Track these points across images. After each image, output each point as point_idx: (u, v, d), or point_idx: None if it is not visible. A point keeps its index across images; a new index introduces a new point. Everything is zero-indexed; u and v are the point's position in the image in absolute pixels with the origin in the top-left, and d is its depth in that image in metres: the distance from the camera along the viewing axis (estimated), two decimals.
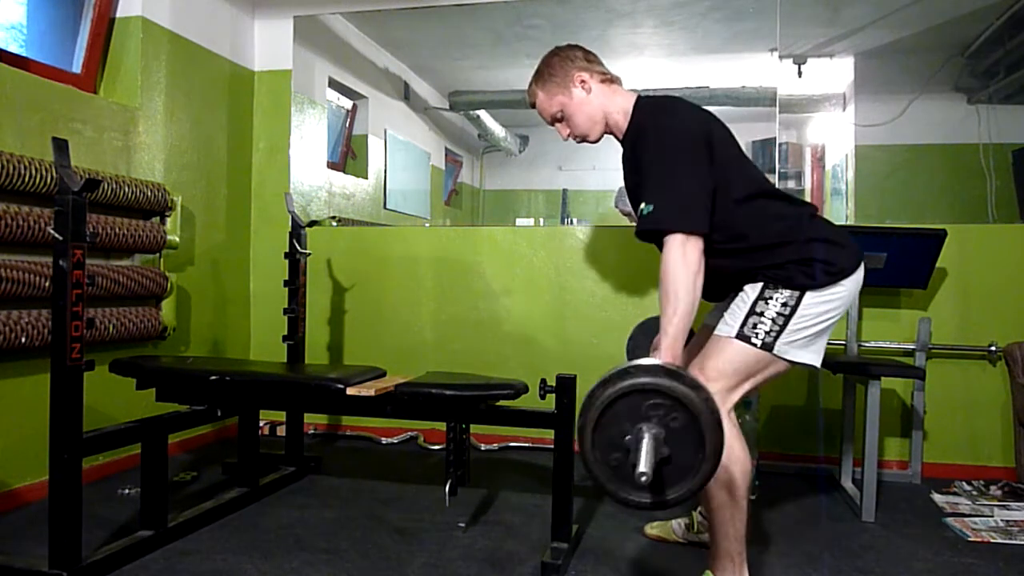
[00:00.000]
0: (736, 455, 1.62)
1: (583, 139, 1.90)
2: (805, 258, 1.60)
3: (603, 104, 1.83)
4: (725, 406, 1.63)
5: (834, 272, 1.60)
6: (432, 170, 3.98)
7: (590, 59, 1.87)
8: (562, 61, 1.86)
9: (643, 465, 1.20)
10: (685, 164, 1.61)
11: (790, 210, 1.70)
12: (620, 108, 1.82)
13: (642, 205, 1.60)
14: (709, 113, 1.73)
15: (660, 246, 1.59)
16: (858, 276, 1.66)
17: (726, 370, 1.61)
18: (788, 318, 1.59)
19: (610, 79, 1.86)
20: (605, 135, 1.88)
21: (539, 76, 1.90)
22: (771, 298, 1.61)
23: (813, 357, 1.65)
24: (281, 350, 2.84)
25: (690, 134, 1.64)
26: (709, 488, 1.65)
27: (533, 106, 1.93)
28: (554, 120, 1.91)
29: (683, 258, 1.53)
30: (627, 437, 1.27)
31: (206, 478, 2.69)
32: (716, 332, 1.66)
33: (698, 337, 1.90)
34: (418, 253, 3.40)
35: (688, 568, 1.90)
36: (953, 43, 3.14)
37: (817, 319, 1.61)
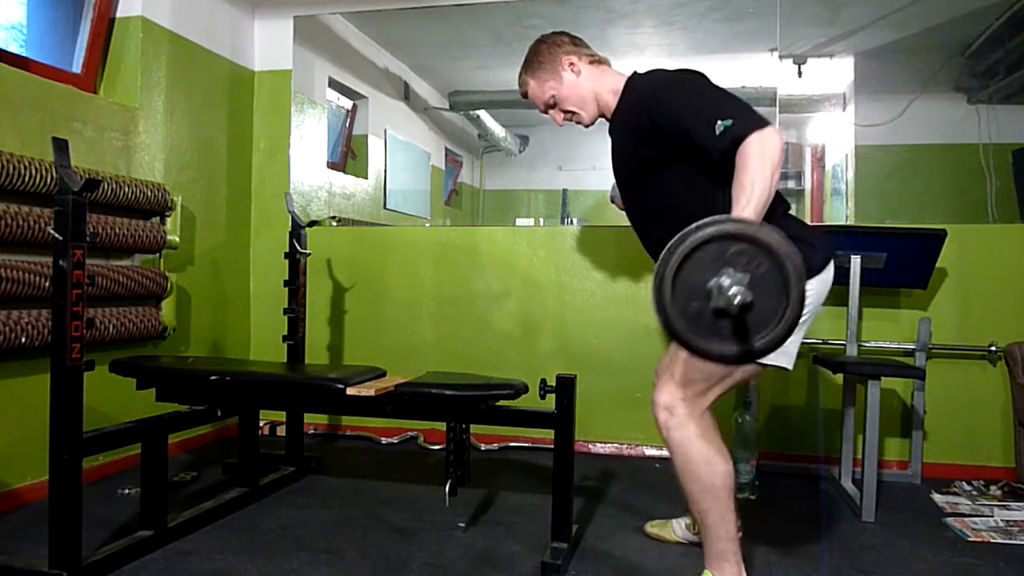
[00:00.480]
0: (713, 460, 1.62)
1: (578, 121, 1.91)
2: None
3: (593, 85, 1.85)
4: (697, 410, 1.64)
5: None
6: (432, 170, 3.98)
7: (576, 43, 1.89)
8: (549, 47, 1.88)
9: (733, 290, 1.16)
10: (719, 87, 1.63)
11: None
12: (609, 88, 1.83)
13: (717, 123, 1.52)
14: None
15: (730, 164, 1.52)
16: (826, 275, 1.65)
17: (694, 376, 1.61)
18: None
19: (598, 60, 1.88)
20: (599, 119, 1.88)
21: (528, 64, 1.92)
22: None
23: (783, 359, 1.62)
24: (281, 350, 2.85)
25: (701, 73, 1.67)
26: (694, 493, 1.66)
27: (525, 96, 1.95)
28: (547, 107, 1.92)
29: (764, 149, 1.46)
30: (710, 283, 1.22)
31: (206, 478, 2.69)
32: None
33: (672, 345, 1.90)
34: (418, 253, 3.40)
35: (688, 568, 1.90)
36: (953, 43, 3.14)
37: None
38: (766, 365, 1.61)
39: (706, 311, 1.22)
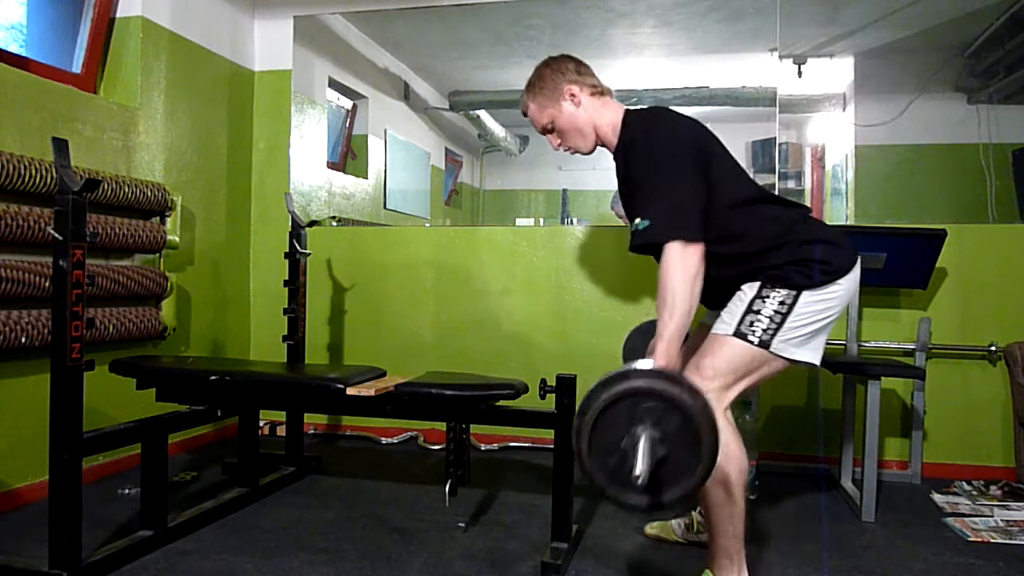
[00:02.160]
0: (733, 453, 1.62)
1: (575, 151, 1.91)
2: (802, 259, 1.61)
3: (592, 118, 1.85)
4: (721, 404, 1.64)
5: (831, 271, 1.61)
6: (432, 170, 3.98)
7: (581, 71, 1.88)
8: (553, 73, 1.87)
9: (638, 467, 1.21)
10: (677, 174, 1.62)
11: (784, 213, 1.70)
12: (609, 122, 1.83)
13: (637, 221, 1.60)
14: (696, 121, 1.74)
15: (657, 257, 1.59)
16: (855, 275, 1.67)
17: (722, 368, 1.62)
18: (785, 316, 1.60)
19: (600, 91, 1.87)
20: (598, 147, 1.89)
21: (531, 88, 1.92)
22: (768, 297, 1.61)
23: (811, 355, 1.65)
24: (281, 350, 2.85)
25: (680, 143, 1.66)
26: (706, 487, 1.65)
27: (525, 115, 1.95)
28: (545, 131, 1.93)
29: (681, 263, 1.53)
30: (623, 441, 1.27)
31: (206, 478, 2.69)
32: (713, 330, 1.66)
33: (694, 337, 1.90)
34: (418, 253, 3.40)
35: (688, 568, 1.89)
36: (953, 43, 3.13)
37: (814, 317, 1.61)
38: (794, 361, 1.63)
39: (623, 467, 1.27)
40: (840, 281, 1.63)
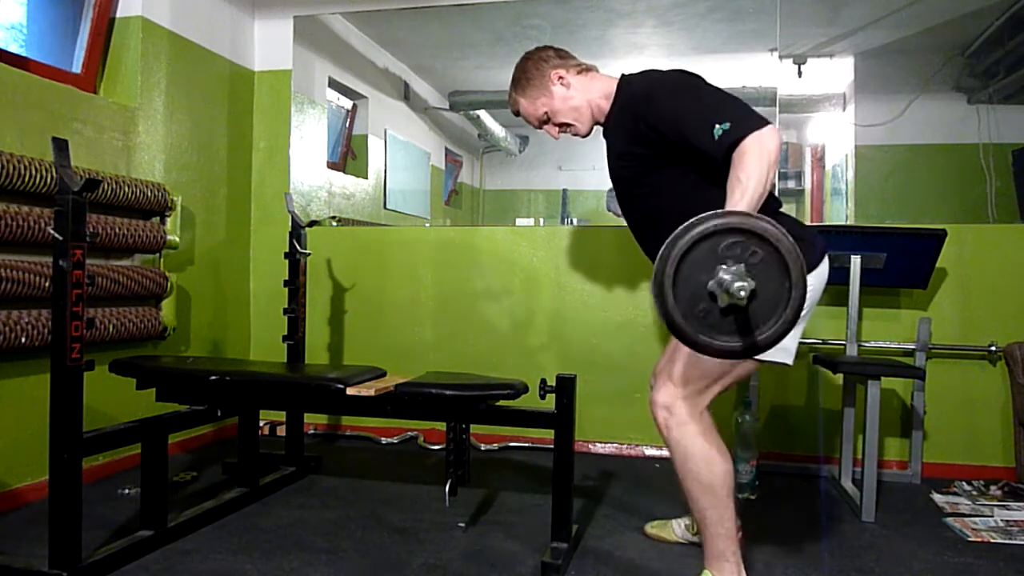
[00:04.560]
0: (712, 457, 1.63)
1: (575, 133, 1.90)
2: None
3: (585, 94, 1.84)
4: (697, 409, 1.64)
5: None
6: (432, 170, 3.98)
7: (562, 55, 1.88)
8: (536, 63, 1.87)
9: (736, 285, 1.16)
10: (715, 88, 1.63)
11: None
12: (601, 92, 1.83)
13: (715, 127, 1.51)
14: None
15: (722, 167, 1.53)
16: (822, 271, 1.66)
17: (692, 374, 1.62)
18: None
19: (586, 68, 1.87)
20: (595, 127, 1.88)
21: (516, 83, 1.91)
22: None
23: (782, 355, 1.62)
24: (281, 350, 2.85)
25: (696, 74, 1.67)
26: (693, 492, 1.66)
27: (517, 114, 1.95)
28: (541, 123, 1.92)
29: (760, 147, 1.46)
30: (709, 283, 1.22)
31: (206, 478, 2.69)
32: None
33: (669, 346, 1.90)
34: (418, 253, 3.40)
35: (688, 568, 1.90)
36: (953, 43, 3.14)
37: None
38: (764, 361, 1.61)
39: (712, 310, 1.22)
40: (807, 277, 1.61)
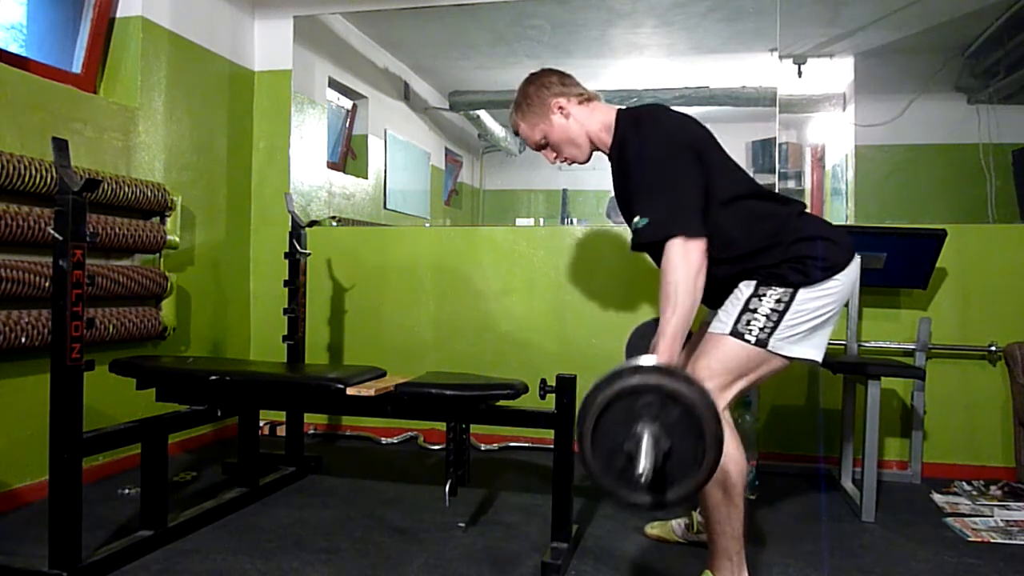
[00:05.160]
0: (731, 454, 1.62)
1: (571, 162, 1.91)
2: (797, 256, 1.60)
3: (584, 125, 1.84)
4: (719, 404, 1.63)
5: (827, 267, 1.60)
6: (432, 170, 3.98)
7: (565, 82, 1.87)
8: (538, 90, 1.87)
9: (641, 465, 1.20)
10: (674, 170, 1.61)
11: (778, 209, 1.69)
12: (602, 124, 1.83)
13: (636, 219, 1.59)
14: (690, 117, 1.74)
15: (657, 256, 1.59)
16: (852, 270, 1.66)
17: (718, 368, 1.61)
18: (782, 315, 1.59)
19: (588, 98, 1.86)
20: (594, 152, 1.89)
21: (518, 107, 1.91)
22: (764, 295, 1.61)
23: (812, 352, 1.64)
24: (281, 350, 2.85)
25: (674, 139, 1.65)
26: (705, 487, 1.65)
27: (517, 134, 1.95)
28: (539, 147, 1.93)
29: (684, 259, 1.52)
30: (626, 441, 1.26)
31: (206, 478, 2.69)
32: (710, 330, 1.66)
33: (696, 337, 1.90)
34: (418, 253, 3.40)
35: (688, 568, 1.90)
36: (953, 43, 3.13)
37: (812, 314, 1.60)
38: (794, 359, 1.62)
39: (629, 467, 1.25)
40: (837, 277, 1.62)
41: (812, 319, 1.60)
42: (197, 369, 2.20)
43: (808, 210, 1.74)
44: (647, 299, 3.11)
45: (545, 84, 1.86)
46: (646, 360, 1.32)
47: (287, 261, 2.83)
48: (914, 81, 3.14)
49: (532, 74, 1.91)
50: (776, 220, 1.65)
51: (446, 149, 3.99)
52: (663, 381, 1.26)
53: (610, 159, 1.85)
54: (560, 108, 1.84)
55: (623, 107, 1.83)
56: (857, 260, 1.68)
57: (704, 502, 1.68)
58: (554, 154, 1.92)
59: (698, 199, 1.59)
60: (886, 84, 3.21)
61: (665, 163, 1.62)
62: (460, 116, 3.86)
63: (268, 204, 3.55)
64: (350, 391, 2.04)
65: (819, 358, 1.66)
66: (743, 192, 1.67)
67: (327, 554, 1.99)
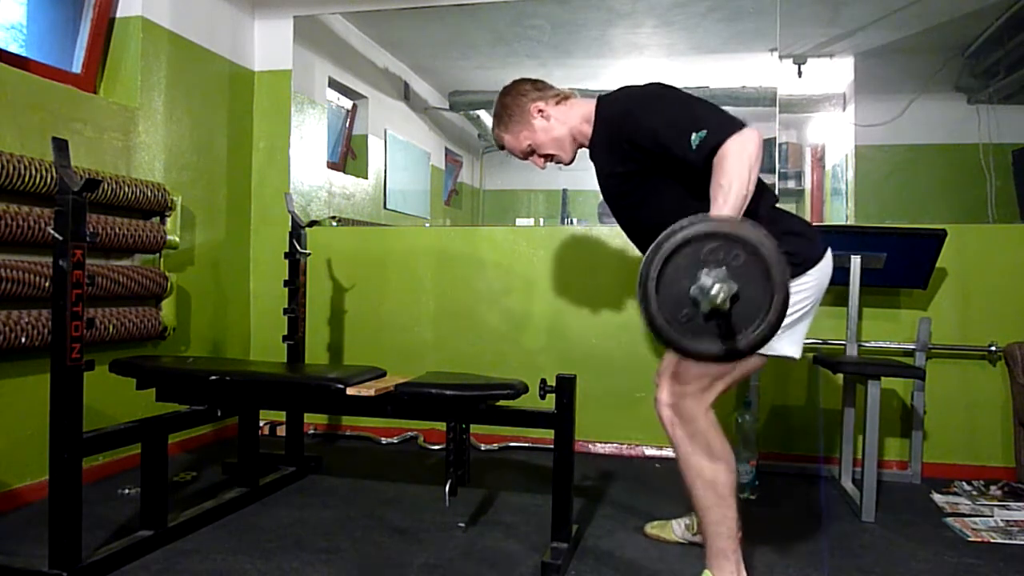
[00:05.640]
0: (720, 454, 1.63)
1: (559, 162, 1.93)
2: None
3: (566, 123, 1.86)
4: (702, 406, 1.64)
5: (799, 263, 1.60)
6: (432, 170, 3.98)
7: (539, 87, 1.90)
8: (515, 99, 1.89)
9: (713, 290, 1.16)
10: (690, 97, 1.63)
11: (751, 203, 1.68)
12: (582, 117, 1.84)
13: (692, 136, 1.52)
14: None
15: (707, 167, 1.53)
16: (825, 264, 1.66)
17: (696, 371, 1.61)
18: None
19: (564, 97, 1.88)
20: (579, 150, 1.90)
21: (498, 119, 1.93)
22: None
23: (789, 348, 1.64)
24: (281, 350, 2.84)
25: (670, 85, 1.68)
26: (697, 489, 1.66)
27: (502, 148, 1.97)
28: (526, 155, 1.95)
29: (740, 149, 1.46)
30: (692, 287, 1.23)
31: (206, 478, 2.69)
32: None
33: None
34: (418, 253, 3.40)
35: (688, 568, 1.90)
36: (953, 43, 3.13)
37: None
38: (771, 355, 1.61)
39: (695, 315, 1.23)
40: (810, 272, 1.62)
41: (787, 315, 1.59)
42: (197, 369, 2.20)
43: (779, 204, 1.73)
44: None
45: (521, 92, 1.89)
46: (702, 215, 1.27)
47: (287, 261, 2.83)
48: (914, 81, 3.14)
49: (505, 87, 1.94)
50: (748, 214, 1.64)
51: (446, 149, 3.99)
52: (725, 226, 1.24)
53: (592, 150, 1.85)
54: (540, 111, 1.87)
55: (601, 95, 1.83)
56: (829, 254, 1.68)
57: (697, 505, 1.69)
58: (542, 159, 1.94)
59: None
60: (886, 84, 3.21)
61: (677, 94, 1.64)
62: (460, 116, 3.86)
63: (268, 204, 3.55)
64: (350, 391, 2.04)
65: (796, 355, 1.66)
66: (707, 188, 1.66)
67: (327, 554, 1.99)
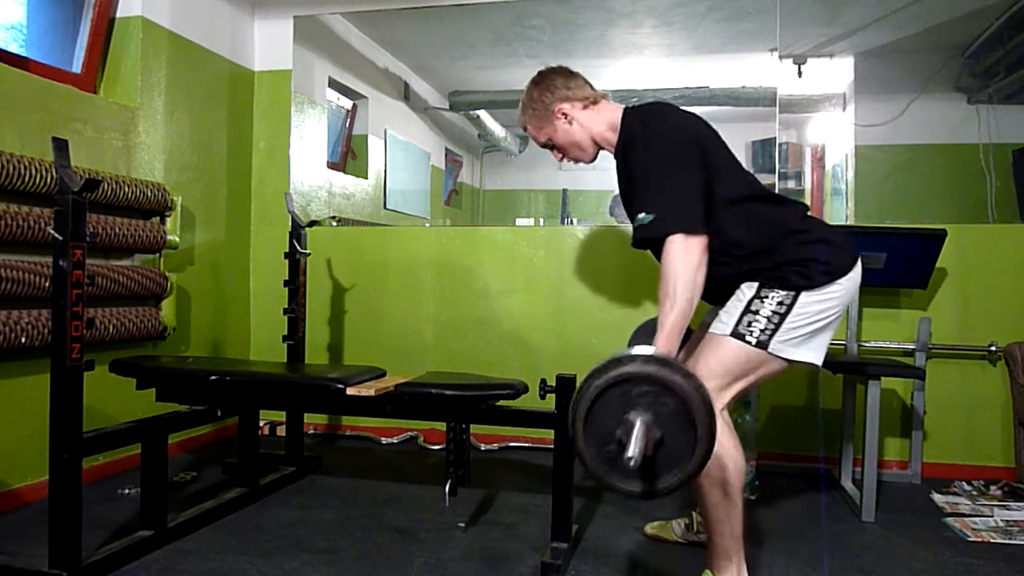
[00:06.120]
0: (730, 453, 1.62)
1: (577, 161, 1.93)
2: (800, 259, 1.60)
3: (589, 129, 1.85)
4: (718, 404, 1.63)
5: (830, 271, 1.60)
6: (432, 170, 3.98)
7: (570, 85, 1.86)
8: (542, 94, 1.87)
9: (631, 449, 1.19)
10: (678, 167, 1.61)
11: (781, 211, 1.70)
12: (607, 124, 1.83)
13: (640, 215, 1.59)
14: (697, 116, 1.74)
15: (658, 252, 1.59)
16: (855, 274, 1.66)
17: (718, 369, 1.61)
18: (784, 317, 1.59)
19: (593, 101, 1.86)
20: (601, 152, 1.90)
21: (524, 109, 1.92)
22: (767, 297, 1.61)
23: (812, 355, 1.64)
24: (281, 350, 2.84)
25: (680, 137, 1.65)
26: (704, 487, 1.66)
27: (526, 130, 1.97)
28: (545, 146, 1.95)
29: (684, 255, 1.52)
30: (618, 428, 1.26)
31: (206, 478, 2.69)
32: (711, 330, 1.66)
33: (696, 335, 1.90)
34: (418, 253, 3.40)
35: (688, 568, 1.90)
36: (953, 43, 3.13)
37: (814, 318, 1.60)
38: (794, 361, 1.62)
39: (620, 454, 1.25)
40: (840, 281, 1.62)
41: (814, 322, 1.61)
42: (197, 369, 2.20)
43: (810, 212, 1.75)
44: (648, 298, 3.11)
45: (549, 88, 1.86)
46: (644, 350, 1.30)
47: (287, 261, 2.83)
48: (914, 81, 3.14)
49: (539, 74, 1.91)
50: (780, 222, 1.65)
51: (446, 149, 3.99)
52: (659, 371, 1.25)
53: (616, 158, 1.85)
54: (564, 115, 1.85)
55: (631, 105, 1.82)
56: (859, 265, 1.68)
57: (703, 502, 1.68)
58: (560, 155, 1.94)
59: (700, 197, 1.59)
60: (886, 84, 3.21)
61: (669, 160, 1.63)
62: (460, 116, 3.86)
63: (268, 204, 3.55)
64: (350, 391, 2.04)
65: (819, 361, 1.66)
66: (748, 193, 1.68)
67: (327, 554, 1.99)
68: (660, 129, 1.68)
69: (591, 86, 1.89)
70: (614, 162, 1.87)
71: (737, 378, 1.63)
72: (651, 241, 1.60)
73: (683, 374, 1.26)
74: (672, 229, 1.54)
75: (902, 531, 2.27)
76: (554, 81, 1.87)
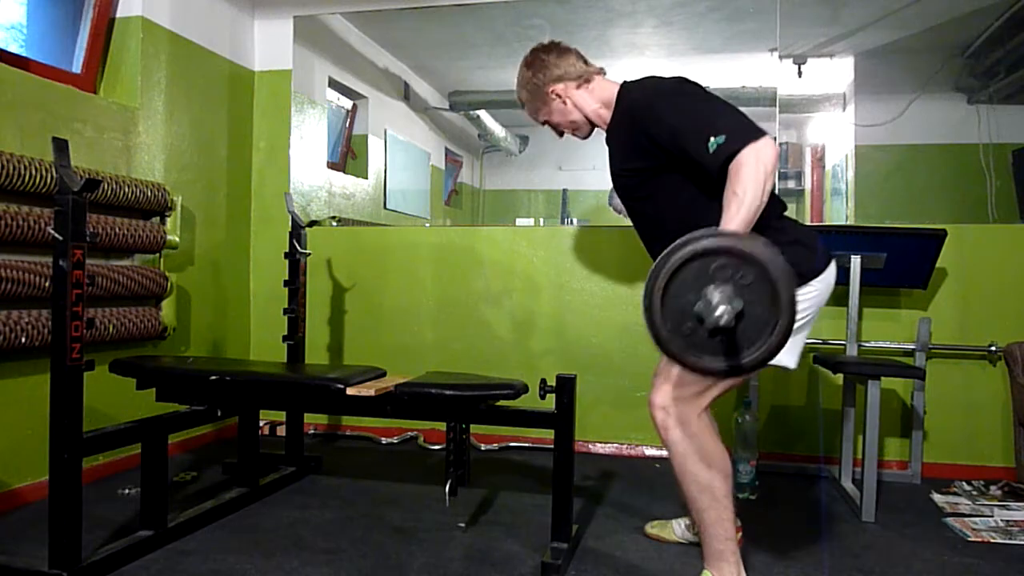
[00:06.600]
0: (714, 458, 1.63)
1: (574, 134, 1.95)
2: None
3: (583, 107, 1.86)
4: (695, 410, 1.64)
5: (802, 273, 1.58)
6: (432, 170, 3.98)
7: (561, 64, 1.85)
8: (535, 75, 1.87)
9: (717, 311, 1.15)
10: (714, 98, 1.62)
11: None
12: (602, 101, 1.83)
13: (710, 140, 1.50)
14: None
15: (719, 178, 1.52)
16: (827, 276, 1.65)
17: (692, 376, 1.60)
18: None
19: (586, 79, 1.85)
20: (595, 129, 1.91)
21: (519, 87, 1.94)
22: None
23: (786, 357, 1.63)
24: (281, 350, 2.84)
25: (696, 84, 1.66)
26: (691, 493, 1.66)
27: (523, 107, 1.97)
28: (542, 124, 1.97)
29: (757, 159, 1.44)
30: (697, 302, 1.22)
31: (206, 478, 2.69)
32: None
33: None
34: (418, 253, 3.40)
35: (688, 568, 1.90)
36: (953, 43, 3.13)
37: None
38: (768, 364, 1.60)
39: (698, 329, 1.22)
40: (812, 283, 1.61)
41: None
42: (197, 369, 2.20)
43: (791, 212, 1.73)
44: None
45: (542, 69, 1.85)
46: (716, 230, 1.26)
47: (287, 261, 2.83)
48: (914, 81, 3.14)
49: (531, 52, 1.90)
50: (757, 222, 1.64)
51: (446, 149, 3.99)
52: (738, 243, 1.22)
53: (608, 134, 1.85)
54: (558, 95, 1.85)
55: (626, 80, 1.82)
56: (833, 265, 1.67)
57: (693, 507, 1.69)
58: (558, 132, 1.97)
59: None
60: (886, 84, 3.21)
61: (704, 95, 1.63)
62: (460, 116, 3.87)
63: (268, 204, 3.55)
64: (350, 391, 2.04)
65: (793, 364, 1.65)
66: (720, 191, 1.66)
67: (327, 554, 1.99)
68: (676, 82, 1.69)
69: (584, 61, 1.88)
70: (607, 146, 1.87)
71: (712, 384, 1.63)
72: (731, 158, 1.49)
73: (763, 242, 1.22)
74: (748, 139, 1.47)
75: (902, 531, 2.27)
76: (546, 61, 1.86)
